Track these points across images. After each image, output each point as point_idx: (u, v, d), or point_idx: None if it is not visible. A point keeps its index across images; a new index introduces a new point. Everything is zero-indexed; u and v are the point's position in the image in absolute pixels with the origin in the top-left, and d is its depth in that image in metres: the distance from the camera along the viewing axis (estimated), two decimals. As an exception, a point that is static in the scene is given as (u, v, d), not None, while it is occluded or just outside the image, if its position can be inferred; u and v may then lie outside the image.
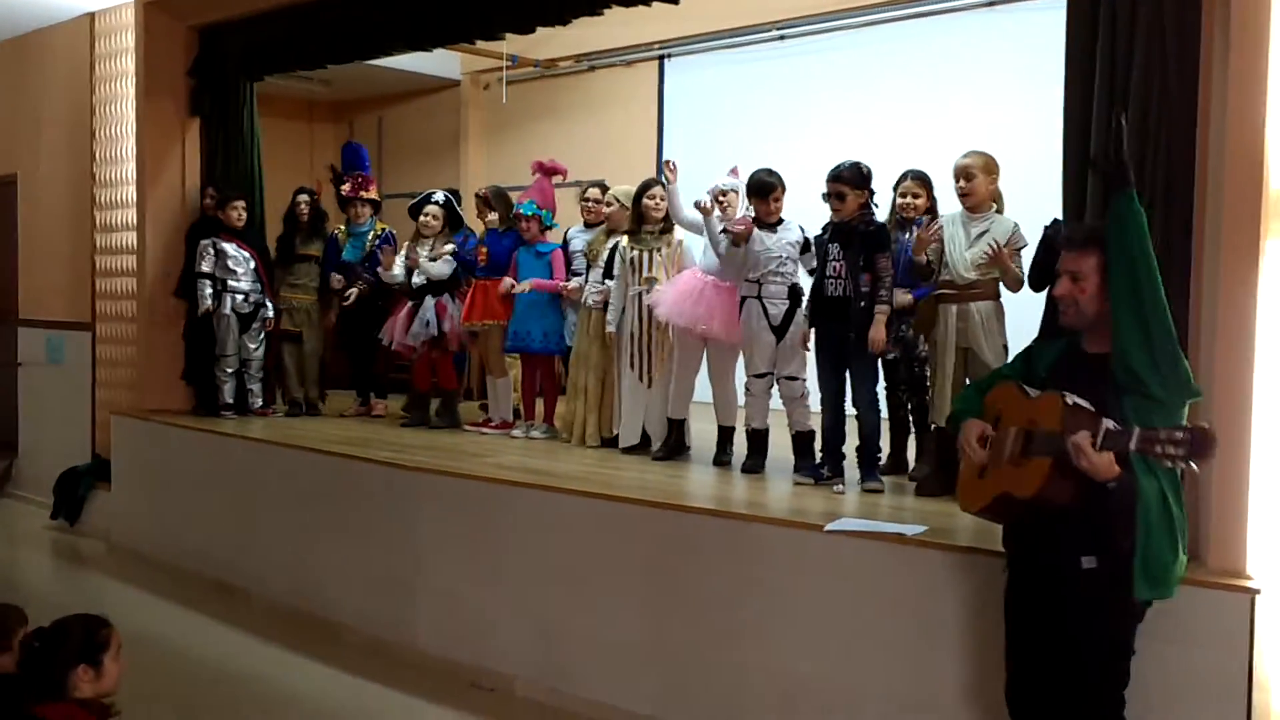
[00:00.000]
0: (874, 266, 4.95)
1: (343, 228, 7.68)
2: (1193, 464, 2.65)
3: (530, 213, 6.61)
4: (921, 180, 5.36)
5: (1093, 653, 3.00)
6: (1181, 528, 2.93)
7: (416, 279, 7.02)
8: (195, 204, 7.76)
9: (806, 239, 5.34)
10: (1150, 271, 2.87)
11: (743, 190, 5.59)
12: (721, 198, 5.57)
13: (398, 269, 7.10)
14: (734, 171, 5.68)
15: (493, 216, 6.88)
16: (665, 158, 5.76)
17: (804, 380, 5.36)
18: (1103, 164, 2.97)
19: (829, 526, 4.17)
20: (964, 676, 3.79)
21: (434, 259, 6.95)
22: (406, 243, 7.28)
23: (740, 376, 5.68)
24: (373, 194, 7.68)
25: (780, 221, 5.38)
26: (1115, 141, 2.93)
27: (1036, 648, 3.12)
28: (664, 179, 5.73)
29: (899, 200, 5.42)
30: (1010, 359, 3.87)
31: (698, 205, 5.47)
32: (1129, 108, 3.86)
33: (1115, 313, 2.94)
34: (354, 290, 7.42)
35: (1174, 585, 2.98)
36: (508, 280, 6.55)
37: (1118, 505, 2.86)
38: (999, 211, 4.91)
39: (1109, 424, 2.77)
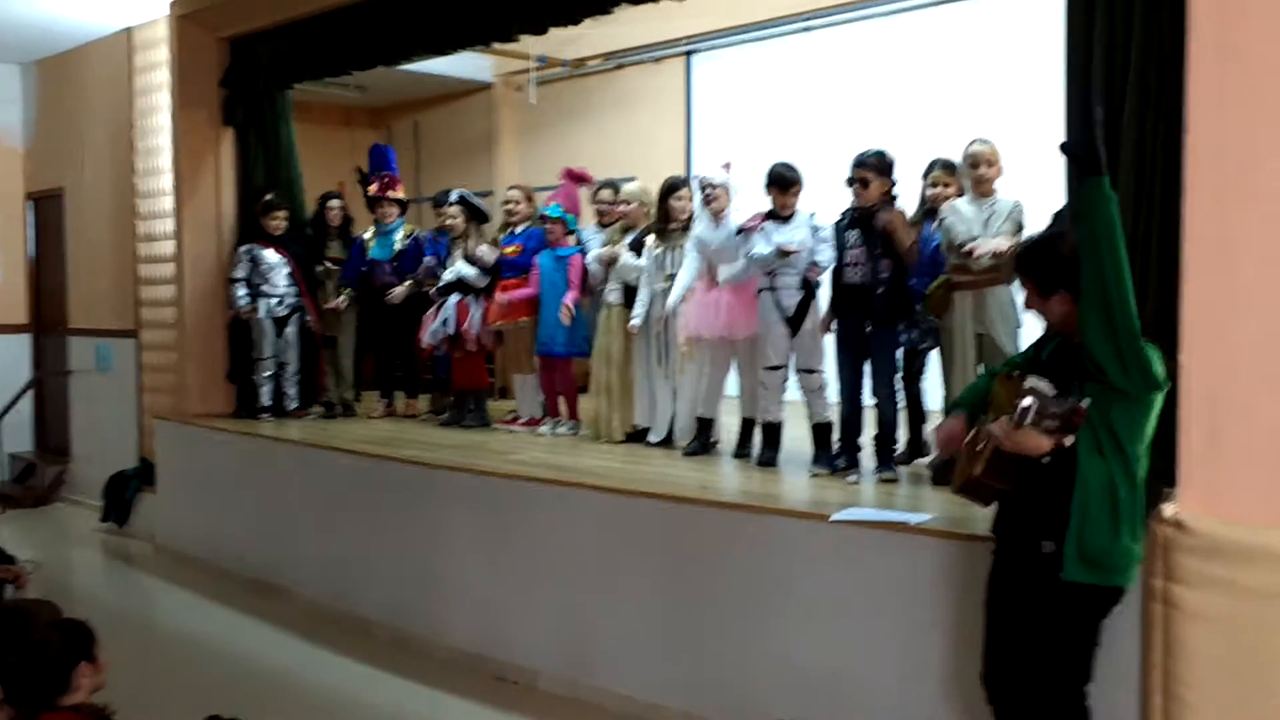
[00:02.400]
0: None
1: (371, 229, 7.79)
2: (1067, 439, 2.80)
3: (556, 215, 6.70)
4: (950, 169, 5.36)
5: (1051, 640, 3.01)
6: (1129, 514, 2.90)
7: (448, 276, 7.12)
8: (231, 212, 7.95)
9: (814, 226, 5.32)
10: (1116, 259, 2.82)
11: (732, 186, 5.62)
12: (711, 190, 5.61)
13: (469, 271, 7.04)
14: (726, 166, 5.69)
15: (523, 208, 6.96)
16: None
17: (822, 372, 5.38)
18: (1074, 150, 2.93)
19: (835, 516, 4.19)
20: (969, 663, 3.80)
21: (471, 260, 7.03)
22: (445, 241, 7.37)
23: (764, 370, 5.71)
24: (399, 193, 7.77)
25: (793, 215, 5.39)
26: (1089, 129, 2.89)
27: (1007, 633, 3.14)
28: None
29: (929, 190, 5.43)
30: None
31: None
32: (1127, 95, 3.86)
33: (1081, 300, 2.92)
34: (400, 289, 7.41)
35: (1123, 573, 2.95)
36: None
37: (1054, 485, 2.91)
38: None
39: (1024, 402, 2.84)
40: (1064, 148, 2.96)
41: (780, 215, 5.38)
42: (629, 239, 6.26)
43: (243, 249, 7.56)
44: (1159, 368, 2.83)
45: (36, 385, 10.23)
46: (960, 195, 5.34)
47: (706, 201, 5.67)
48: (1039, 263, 3.17)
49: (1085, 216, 2.89)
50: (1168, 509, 2.01)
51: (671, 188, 6.02)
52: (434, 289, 7.16)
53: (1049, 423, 2.82)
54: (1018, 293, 4.73)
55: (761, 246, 5.36)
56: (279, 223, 7.58)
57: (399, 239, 7.61)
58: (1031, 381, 2.95)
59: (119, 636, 3.15)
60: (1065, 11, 4.12)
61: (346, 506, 6.25)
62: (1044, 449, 2.88)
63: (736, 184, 5.69)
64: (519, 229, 6.95)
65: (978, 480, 3.09)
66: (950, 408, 3.49)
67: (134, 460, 8.63)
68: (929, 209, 5.38)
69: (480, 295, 6.99)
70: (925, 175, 5.45)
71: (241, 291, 7.49)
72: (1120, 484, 2.89)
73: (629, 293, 6.20)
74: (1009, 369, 3.34)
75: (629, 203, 6.32)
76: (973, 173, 4.88)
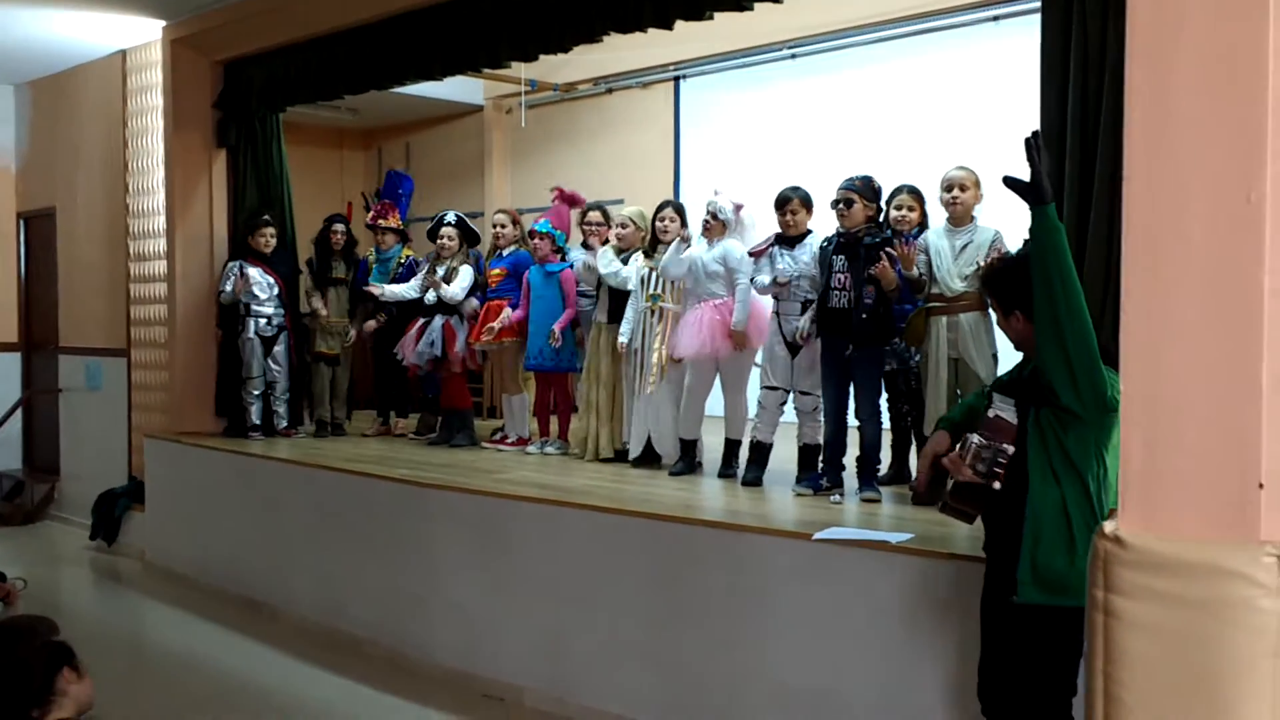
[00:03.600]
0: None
1: (373, 253, 7.90)
2: (995, 484, 2.92)
3: (545, 230, 6.79)
4: (915, 194, 5.46)
5: (1034, 654, 3.08)
6: (1087, 537, 2.90)
7: (430, 298, 7.21)
8: (224, 232, 8.04)
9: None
10: (1067, 285, 2.88)
11: (734, 224, 5.72)
12: (712, 219, 5.72)
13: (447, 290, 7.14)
14: (738, 208, 5.76)
15: (509, 231, 7.07)
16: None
17: (818, 395, 5.43)
18: (1016, 182, 3.00)
19: (817, 535, 4.27)
20: (948, 680, 3.87)
21: (447, 279, 7.13)
22: (427, 263, 7.49)
23: (753, 391, 5.79)
24: (391, 222, 7.87)
25: (804, 237, 5.44)
26: (1030, 158, 2.97)
27: (996, 649, 3.22)
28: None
29: (893, 214, 5.51)
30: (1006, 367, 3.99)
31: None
32: (1101, 124, 3.98)
33: (1036, 327, 3.00)
34: (371, 322, 7.68)
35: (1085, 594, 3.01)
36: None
37: (1008, 511, 3.00)
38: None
39: (974, 439, 2.95)
40: (1007, 181, 3.02)
41: (788, 238, 5.46)
42: (624, 257, 6.33)
43: (231, 264, 7.64)
44: (1116, 392, 2.90)
45: (26, 403, 10.26)
46: (923, 220, 5.46)
47: (705, 224, 5.77)
48: (999, 282, 3.30)
49: (1035, 245, 2.97)
50: (1109, 525, 2.15)
51: (657, 211, 6.14)
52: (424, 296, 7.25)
53: (979, 465, 2.96)
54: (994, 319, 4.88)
55: (763, 275, 5.47)
56: (267, 240, 7.66)
57: (393, 266, 7.73)
58: (996, 407, 3.03)
59: (108, 654, 3.19)
60: (1041, 38, 4.26)
61: (336, 525, 6.30)
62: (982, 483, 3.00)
63: (744, 222, 5.76)
64: (505, 252, 7.05)
65: (948, 503, 3.19)
66: (938, 424, 3.55)
67: (123, 478, 8.67)
68: (895, 232, 5.48)
69: (466, 316, 7.09)
70: (889, 200, 5.53)
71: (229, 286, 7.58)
72: (1073, 507, 2.96)
73: (614, 311, 6.27)
74: (998, 384, 3.42)
75: (625, 226, 6.39)
76: (947, 196, 4.99)
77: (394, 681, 5.52)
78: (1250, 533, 2.02)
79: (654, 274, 6.03)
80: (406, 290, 7.28)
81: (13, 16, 7.74)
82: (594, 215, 6.78)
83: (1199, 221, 2.05)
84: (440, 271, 7.18)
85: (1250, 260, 2.02)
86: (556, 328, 6.60)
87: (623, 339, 6.14)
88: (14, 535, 9.20)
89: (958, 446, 3.09)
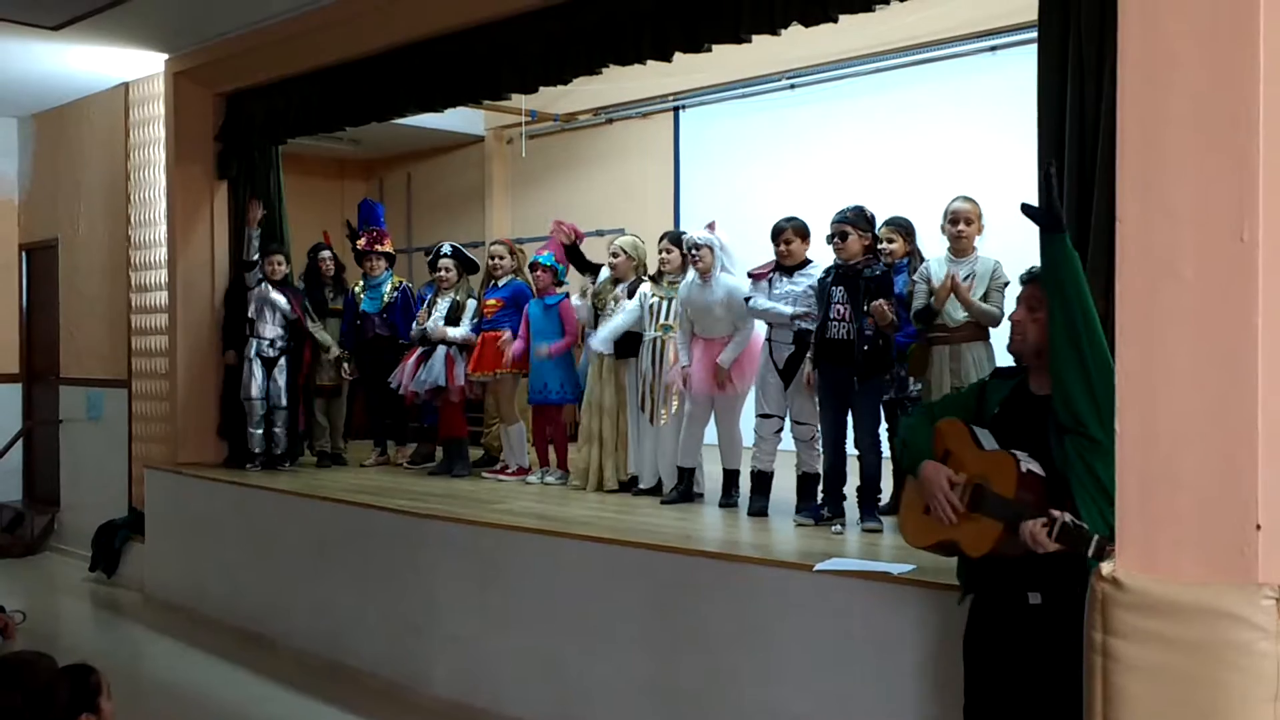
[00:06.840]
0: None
1: (360, 282, 7.91)
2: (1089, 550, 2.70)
3: (548, 264, 6.82)
4: (897, 227, 5.48)
5: (1040, 689, 3.02)
6: None
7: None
8: (225, 263, 8.06)
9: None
10: (1087, 314, 2.85)
11: (717, 245, 5.72)
12: (695, 251, 5.71)
13: (454, 332, 7.15)
14: (710, 226, 5.78)
15: (507, 262, 7.09)
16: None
17: (814, 425, 5.41)
18: (1033, 210, 2.98)
19: (819, 566, 4.25)
20: (949, 713, 3.84)
21: (456, 314, 7.16)
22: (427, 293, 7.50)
23: (747, 420, 5.79)
24: (387, 248, 7.89)
25: (801, 266, 5.44)
26: (1046, 187, 2.96)
27: (990, 682, 3.18)
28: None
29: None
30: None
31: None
32: (1099, 154, 3.99)
33: (1056, 356, 2.93)
34: (347, 366, 7.75)
35: None
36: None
37: (1068, 556, 2.84)
38: None
39: (1066, 518, 2.73)
40: (1025, 209, 2.99)
41: (784, 267, 5.46)
42: (619, 290, 6.36)
43: (255, 290, 7.62)
44: None
45: (26, 434, 10.26)
46: (909, 252, 5.47)
47: (692, 262, 5.76)
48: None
49: (1052, 273, 2.93)
50: (1106, 567, 2.14)
51: (660, 239, 6.17)
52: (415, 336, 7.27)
53: (1083, 548, 2.66)
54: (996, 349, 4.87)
55: (760, 298, 5.47)
56: (280, 268, 7.68)
57: (387, 291, 7.73)
58: (1025, 462, 2.91)
59: (107, 687, 3.18)
60: (1037, 69, 4.27)
61: (336, 556, 6.28)
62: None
63: (724, 241, 5.75)
64: (502, 282, 7.06)
65: (970, 555, 3.02)
66: (912, 461, 3.22)
67: (123, 510, 8.65)
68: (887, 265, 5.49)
69: (463, 349, 7.09)
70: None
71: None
72: None
73: (620, 343, 6.27)
74: (948, 408, 3.28)
75: (616, 255, 6.42)
76: (952, 229, 5.00)
77: (393, 714, 5.49)
78: (1248, 575, 2.01)
79: (663, 303, 6.04)
80: (459, 333, 7.12)
81: (17, 50, 7.78)
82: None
83: (1192, 260, 2.05)
84: (442, 304, 7.18)
85: (1244, 299, 2.02)
86: (552, 347, 6.61)
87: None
88: (14, 567, 9.16)
89: (1039, 525, 2.78)
